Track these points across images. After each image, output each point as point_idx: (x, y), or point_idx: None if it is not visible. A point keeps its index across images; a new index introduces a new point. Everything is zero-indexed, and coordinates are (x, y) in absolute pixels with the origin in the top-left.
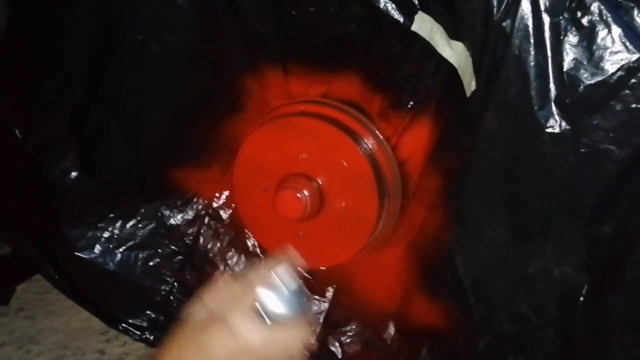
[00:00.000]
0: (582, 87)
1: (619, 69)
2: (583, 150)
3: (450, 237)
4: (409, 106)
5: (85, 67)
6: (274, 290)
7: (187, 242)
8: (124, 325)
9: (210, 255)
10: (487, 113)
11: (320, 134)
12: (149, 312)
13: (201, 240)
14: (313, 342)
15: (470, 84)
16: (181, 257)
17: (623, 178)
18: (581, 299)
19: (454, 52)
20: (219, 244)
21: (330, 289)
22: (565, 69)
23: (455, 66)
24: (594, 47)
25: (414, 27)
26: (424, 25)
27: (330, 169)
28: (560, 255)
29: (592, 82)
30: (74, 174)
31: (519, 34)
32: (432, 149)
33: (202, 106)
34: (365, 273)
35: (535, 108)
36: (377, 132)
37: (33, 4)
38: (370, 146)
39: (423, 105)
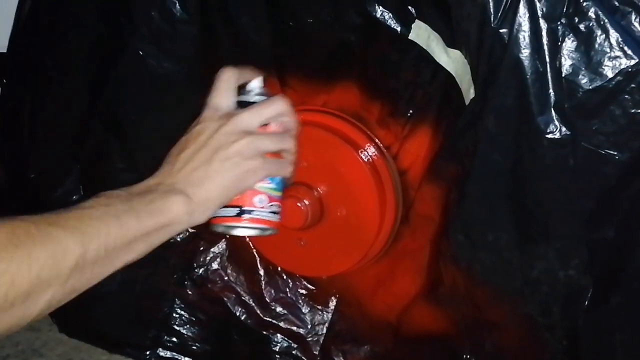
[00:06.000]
0: (580, 92)
1: (617, 74)
2: (583, 155)
3: (452, 243)
4: (408, 114)
5: (85, 86)
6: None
7: (187, 257)
8: (129, 349)
9: (210, 269)
10: (487, 117)
11: (320, 143)
12: (151, 331)
13: (200, 254)
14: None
15: (468, 92)
16: (181, 273)
17: (623, 181)
18: (585, 301)
19: (451, 59)
20: (219, 259)
21: (333, 299)
22: (563, 75)
23: (453, 74)
24: (592, 53)
25: (411, 36)
26: (421, 34)
27: (331, 178)
28: (564, 258)
29: (590, 87)
30: (75, 197)
31: (517, 40)
32: (432, 157)
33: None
34: (367, 283)
35: (535, 113)
36: (377, 140)
37: (33, 23)
38: (370, 155)
39: (422, 114)
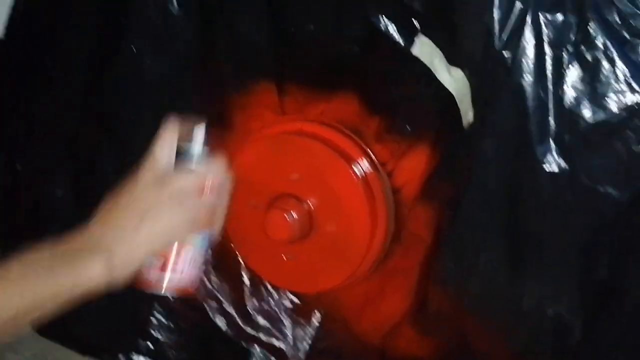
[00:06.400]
0: (582, 124)
1: (622, 109)
2: (580, 190)
3: (442, 268)
4: (406, 131)
5: (81, 84)
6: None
7: None
8: (102, 353)
9: None
10: (485, 142)
11: (312, 155)
12: (127, 335)
13: None
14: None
15: (467, 113)
16: None
17: (620, 221)
18: (574, 342)
19: (452, 79)
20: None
21: (319, 315)
22: (566, 105)
23: (453, 94)
24: (597, 84)
25: (414, 51)
26: (424, 49)
27: (321, 192)
28: (555, 294)
29: (593, 120)
30: (60, 193)
31: (520, 64)
32: (427, 177)
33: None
34: (355, 300)
35: (534, 142)
36: (372, 156)
37: (30, 15)
38: (364, 170)
39: (420, 132)
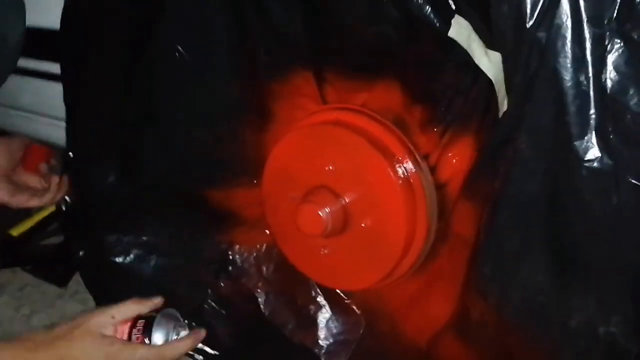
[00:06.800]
0: (629, 114)
1: None
2: (629, 192)
3: (480, 276)
4: (447, 122)
5: (120, 71)
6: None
7: (223, 249)
8: None
9: (246, 264)
10: (520, 138)
11: (347, 146)
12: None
13: (237, 248)
14: None
15: (502, 103)
16: (216, 265)
17: None
18: None
19: (491, 63)
20: (255, 253)
21: (366, 313)
22: (609, 92)
23: (492, 80)
24: None
25: (451, 33)
26: (462, 32)
27: (357, 186)
28: (605, 312)
29: None
30: (111, 179)
31: (555, 46)
32: (468, 172)
33: (233, 118)
34: (400, 300)
35: (573, 136)
36: (413, 149)
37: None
38: (403, 164)
39: (462, 123)
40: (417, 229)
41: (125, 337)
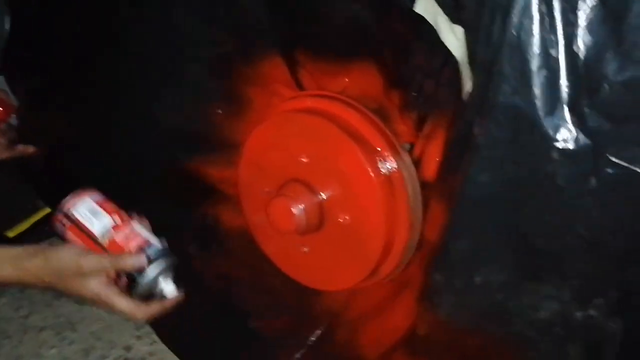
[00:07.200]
0: (607, 85)
1: None
2: (610, 172)
3: (429, 284)
4: (422, 108)
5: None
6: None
7: (207, 222)
8: None
9: (226, 243)
10: (480, 122)
11: (322, 136)
12: None
13: (220, 224)
14: None
15: (467, 84)
16: (199, 236)
17: None
18: (614, 350)
19: (458, 42)
20: (235, 234)
21: (330, 315)
22: (582, 58)
23: (458, 60)
24: (626, 28)
25: (417, 9)
26: (428, 6)
27: (333, 179)
28: (583, 297)
29: (621, 77)
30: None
31: (520, 8)
32: (438, 168)
33: (201, 100)
34: (365, 309)
35: (541, 114)
36: (394, 139)
37: None
38: (382, 156)
39: (439, 110)
40: (398, 228)
41: None
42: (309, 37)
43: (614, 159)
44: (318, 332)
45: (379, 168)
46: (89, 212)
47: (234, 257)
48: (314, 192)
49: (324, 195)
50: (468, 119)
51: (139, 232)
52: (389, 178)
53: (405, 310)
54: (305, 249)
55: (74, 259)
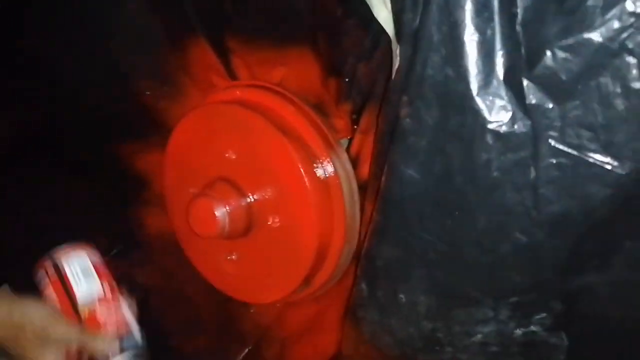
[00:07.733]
0: (549, 54)
1: (611, 21)
2: (553, 161)
3: (354, 298)
4: (355, 98)
5: None
6: None
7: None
8: None
9: (149, 251)
10: (406, 102)
11: (250, 130)
12: None
13: (145, 230)
14: None
15: (395, 62)
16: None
17: (619, 206)
18: None
19: (389, 12)
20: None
21: (259, 330)
22: (520, 23)
23: (390, 36)
24: None
25: None
26: None
27: (261, 177)
28: (523, 314)
29: (566, 43)
30: None
31: None
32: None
33: (129, 81)
34: (296, 325)
35: (473, 91)
36: (330, 135)
37: None
38: (316, 153)
39: (374, 100)
40: (333, 233)
41: None
42: (237, 20)
43: (557, 145)
44: (246, 350)
45: (313, 167)
46: (81, 271)
47: (153, 264)
48: (241, 192)
49: (252, 197)
50: (394, 101)
51: (124, 314)
52: (323, 178)
53: (336, 327)
54: (233, 256)
55: (42, 320)
